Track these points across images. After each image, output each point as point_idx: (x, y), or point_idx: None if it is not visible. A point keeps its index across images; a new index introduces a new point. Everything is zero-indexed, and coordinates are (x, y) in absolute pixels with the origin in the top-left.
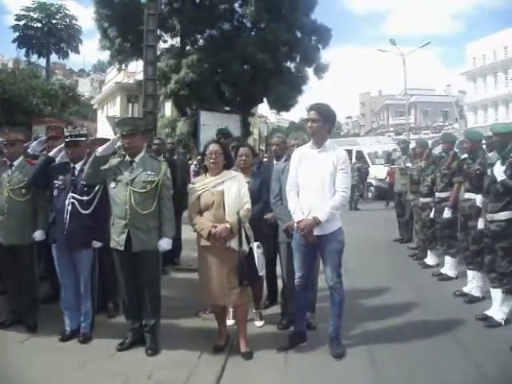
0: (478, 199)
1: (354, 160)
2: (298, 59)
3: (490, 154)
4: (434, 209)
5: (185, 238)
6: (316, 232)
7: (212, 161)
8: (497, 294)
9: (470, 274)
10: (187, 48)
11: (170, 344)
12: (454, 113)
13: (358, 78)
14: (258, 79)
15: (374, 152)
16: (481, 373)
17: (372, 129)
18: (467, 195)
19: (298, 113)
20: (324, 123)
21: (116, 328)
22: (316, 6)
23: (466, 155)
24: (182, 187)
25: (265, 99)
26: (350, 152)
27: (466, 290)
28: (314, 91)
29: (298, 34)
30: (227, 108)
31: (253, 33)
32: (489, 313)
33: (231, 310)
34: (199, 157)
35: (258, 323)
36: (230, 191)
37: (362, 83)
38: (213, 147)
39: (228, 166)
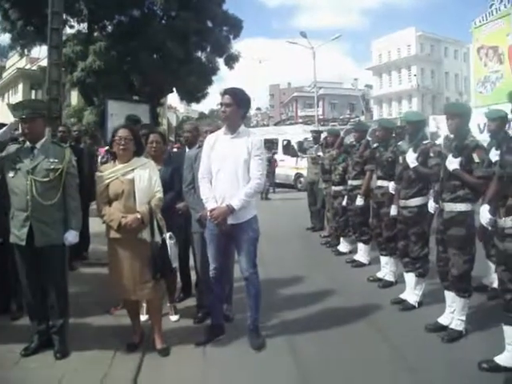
0: (391, 186)
1: (281, 150)
2: (208, 49)
3: (400, 143)
4: (346, 197)
5: (93, 231)
6: (230, 221)
7: (122, 147)
8: (410, 277)
9: (384, 259)
10: (95, 34)
11: (80, 345)
12: (360, 106)
13: (268, 69)
14: (167, 69)
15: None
16: (400, 354)
17: (281, 120)
18: (379, 183)
19: (208, 104)
20: (238, 108)
21: (20, 331)
22: None
23: (377, 144)
24: (90, 176)
25: (175, 89)
26: (275, 141)
27: (379, 275)
28: (224, 82)
29: (209, 24)
30: (136, 97)
31: (163, 21)
32: (403, 296)
33: (144, 304)
34: (107, 147)
35: (173, 317)
36: (141, 179)
37: (272, 75)
38: (122, 132)
39: (138, 152)
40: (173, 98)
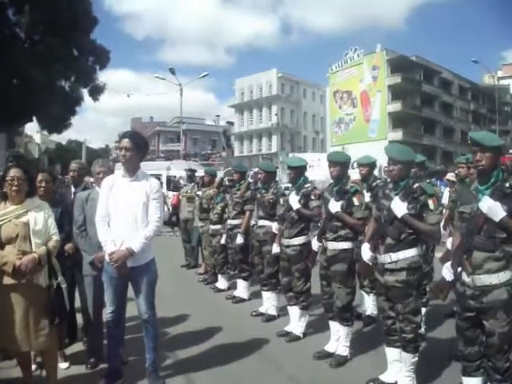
0: (274, 226)
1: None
2: (73, 78)
3: (282, 185)
4: (225, 235)
5: None
6: (129, 264)
7: (15, 188)
8: (294, 311)
9: (266, 294)
10: None
11: None
12: (221, 142)
13: (131, 102)
14: (28, 96)
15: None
16: (296, 382)
17: None
18: (261, 222)
19: (66, 134)
20: (137, 152)
21: None
22: (96, 26)
23: (259, 185)
24: None
25: (34, 118)
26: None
27: (261, 309)
28: (86, 113)
29: (75, 53)
30: None
31: (26, 45)
32: (288, 328)
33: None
34: None
35: (63, 365)
36: (36, 222)
37: (133, 109)
38: (15, 172)
39: (31, 193)
40: (28, 127)
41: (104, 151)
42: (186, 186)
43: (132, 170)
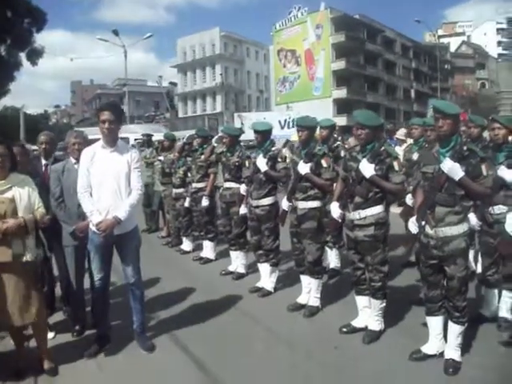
0: (242, 188)
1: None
2: (8, 42)
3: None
4: (188, 198)
5: None
6: (116, 231)
7: None
8: (265, 267)
9: (234, 254)
10: None
11: None
12: (165, 103)
13: (68, 64)
14: None
15: None
16: (275, 332)
17: (84, 118)
18: (227, 184)
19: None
20: (118, 123)
21: None
22: None
23: (225, 149)
24: None
25: None
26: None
27: (231, 268)
28: (22, 78)
29: (9, 15)
30: None
31: None
32: (259, 284)
33: None
34: None
35: (49, 335)
36: (22, 197)
37: (71, 71)
38: None
39: (13, 168)
40: None
41: (43, 117)
42: (143, 151)
43: (112, 141)
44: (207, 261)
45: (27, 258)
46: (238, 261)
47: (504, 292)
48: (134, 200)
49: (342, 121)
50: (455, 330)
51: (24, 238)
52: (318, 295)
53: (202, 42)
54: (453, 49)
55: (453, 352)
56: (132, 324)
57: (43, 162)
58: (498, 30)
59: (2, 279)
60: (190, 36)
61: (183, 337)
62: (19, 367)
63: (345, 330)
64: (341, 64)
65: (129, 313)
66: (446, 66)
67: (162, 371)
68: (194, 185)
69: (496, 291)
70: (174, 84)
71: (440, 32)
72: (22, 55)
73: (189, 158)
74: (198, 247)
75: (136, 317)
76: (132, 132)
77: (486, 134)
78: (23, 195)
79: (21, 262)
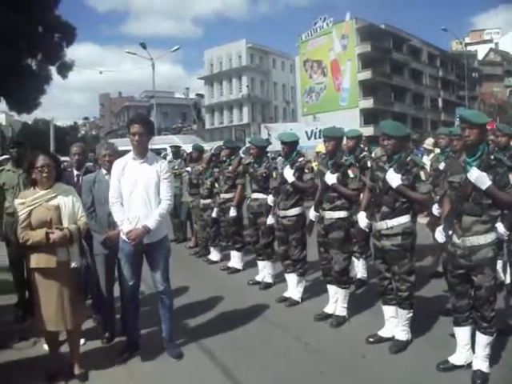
0: (270, 198)
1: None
2: (39, 57)
3: (277, 160)
4: (216, 209)
5: None
6: (145, 240)
7: (45, 175)
8: (292, 277)
9: (261, 263)
10: None
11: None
12: (192, 115)
13: (97, 77)
14: None
15: None
16: (303, 342)
17: (112, 130)
18: (255, 195)
19: (38, 114)
20: (148, 135)
21: None
22: (60, 1)
23: (252, 160)
24: None
25: (2, 98)
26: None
27: (258, 278)
28: (52, 91)
29: (40, 29)
30: None
31: None
32: (287, 294)
33: None
34: None
35: (80, 341)
36: (66, 205)
37: (100, 84)
38: (44, 160)
39: (58, 178)
40: None
41: (72, 129)
42: (171, 162)
43: (143, 153)
44: (234, 271)
45: (73, 264)
46: (265, 271)
47: None
48: (164, 210)
49: (368, 131)
50: (483, 340)
51: (68, 245)
52: (345, 305)
53: (228, 53)
54: (480, 56)
55: (481, 363)
56: (161, 332)
57: (75, 172)
58: None
59: (47, 285)
60: (217, 48)
61: (211, 345)
62: (51, 372)
63: (371, 339)
64: (367, 74)
65: (158, 321)
66: (473, 74)
67: (190, 378)
68: (222, 195)
69: None
70: (200, 96)
71: (467, 40)
72: (53, 69)
73: (216, 169)
74: (226, 257)
75: (165, 325)
76: (167, 143)
77: None
78: (68, 204)
79: (66, 269)
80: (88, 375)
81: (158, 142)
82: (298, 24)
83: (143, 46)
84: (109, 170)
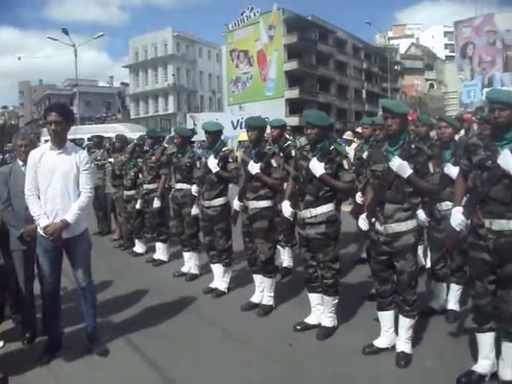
0: (194, 188)
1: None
2: None
3: (198, 151)
4: (140, 200)
5: None
6: (64, 235)
7: None
8: (218, 268)
9: (187, 255)
10: None
11: None
12: (116, 104)
13: (16, 64)
14: None
15: None
16: (229, 332)
17: (33, 120)
18: (179, 186)
19: None
20: (66, 124)
21: None
22: None
23: (175, 149)
24: None
25: None
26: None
27: (184, 269)
28: None
29: None
30: None
31: None
32: (213, 285)
33: None
34: None
35: None
36: None
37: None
38: None
39: None
40: None
41: None
42: (93, 152)
43: (60, 143)
44: (160, 263)
45: None
46: (191, 262)
47: (452, 285)
48: (83, 203)
49: (294, 121)
50: (406, 323)
51: None
52: (272, 294)
53: (154, 41)
54: (402, 50)
55: (404, 345)
56: (85, 329)
57: None
58: (445, 33)
59: None
60: (142, 36)
61: (138, 340)
62: None
63: (299, 327)
64: (293, 64)
65: (81, 318)
66: (395, 67)
67: (116, 375)
68: (146, 186)
69: (444, 285)
70: (125, 84)
71: (390, 34)
72: None
73: (140, 160)
74: (151, 249)
75: (89, 321)
76: (103, 131)
77: (433, 134)
78: None
79: None
80: (8, 380)
81: (99, 130)
82: (226, 13)
83: (65, 31)
84: (25, 162)
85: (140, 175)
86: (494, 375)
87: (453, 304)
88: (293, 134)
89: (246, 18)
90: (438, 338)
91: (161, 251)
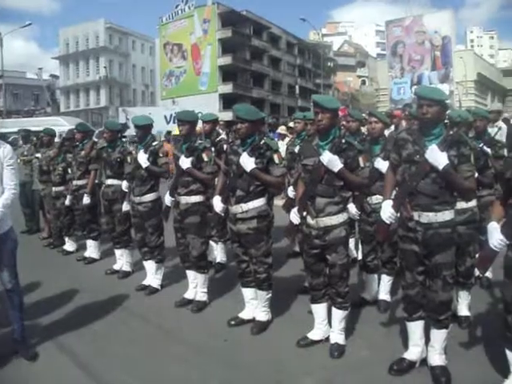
0: (124, 184)
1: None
2: None
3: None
4: (69, 196)
5: None
6: None
7: None
8: (150, 265)
9: (118, 252)
10: None
11: None
12: (45, 96)
13: None
14: None
15: None
16: (166, 329)
17: None
18: (109, 181)
19: None
20: None
21: None
22: None
23: (106, 144)
24: None
25: None
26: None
27: (116, 267)
28: None
29: None
30: None
31: None
32: (146, 282)
33: None
34: None
35: None
36: None
37: None
38: None
39: None
40: None
41: None
42: (21, 147)
43: None
44: (91, 260)
45: None
46: (122, 259)
47: (383, 276)
48: (8, 200)
49: (227, 116)
50: (339, 315)
51: None
52: (205, 290)
53: (85, 32)
54: (335, 47)
55: (337, 336)
56: (12, 333)
57: None
58: (377, 31)
59: None
60: (74, 26)
61: (69, 341)
62: None
63: (233, 322)
64: (227, 59)
65: (8, 321)
66: (329, 64)
67: (47, 379)
68: (75, 182)
69: (376, 276)
70: (55, 77)
71: (324, 31)
72: None
73: (69, 155)
74: (82, 247)
75: (16, 325)
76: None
77: (364, 129)
78: None
79: None
80: None
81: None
82: (160, 5)
83: None
84: None
85: (69, 170)
86: (424, 361)
87: (384, 294)
88: (226, 129)
89: (180, 11)
90: (370, 327)
91: (92, 249)
